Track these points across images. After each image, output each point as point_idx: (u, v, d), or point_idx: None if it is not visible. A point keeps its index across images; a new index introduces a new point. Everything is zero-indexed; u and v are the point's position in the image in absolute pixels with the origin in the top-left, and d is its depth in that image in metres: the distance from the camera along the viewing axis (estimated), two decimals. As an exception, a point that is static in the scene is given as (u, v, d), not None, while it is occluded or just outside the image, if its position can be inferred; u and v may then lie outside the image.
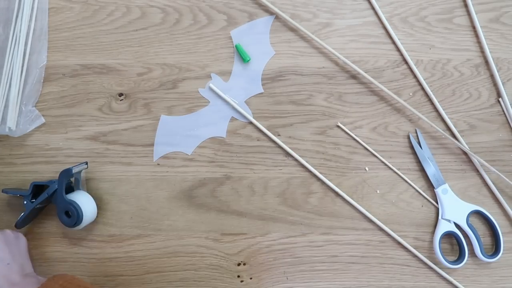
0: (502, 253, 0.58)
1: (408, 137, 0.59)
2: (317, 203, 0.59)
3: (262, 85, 0.59)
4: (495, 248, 0.59)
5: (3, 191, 0.57)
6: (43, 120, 0.59)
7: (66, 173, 0.54)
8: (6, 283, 0.49)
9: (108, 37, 0.59)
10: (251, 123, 0.59)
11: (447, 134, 0.58)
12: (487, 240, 0.60)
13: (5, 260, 0.51)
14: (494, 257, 0.57)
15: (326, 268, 0.59)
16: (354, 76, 0.60)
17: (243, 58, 0.58)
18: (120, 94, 0.59)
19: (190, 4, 0.59)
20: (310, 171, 0.59)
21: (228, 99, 0.59)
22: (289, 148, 0.59)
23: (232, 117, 0.59)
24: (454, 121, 0.60)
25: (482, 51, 0.60)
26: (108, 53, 0.59)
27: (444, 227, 0.58)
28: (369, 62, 0.60)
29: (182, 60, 0.59)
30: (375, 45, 0.60)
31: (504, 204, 0.59)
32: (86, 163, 0.58)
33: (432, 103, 0.60)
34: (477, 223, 0.60)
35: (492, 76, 0.60)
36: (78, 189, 0.57)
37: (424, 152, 0.59)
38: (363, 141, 0.59)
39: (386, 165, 0.59)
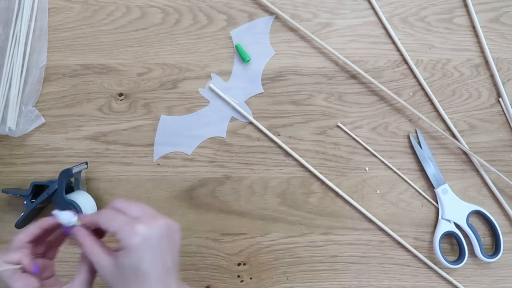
0: (502, 253, 0.58)
1: (408, 137, 0.60)
2: (317, 203, 0.59)
3: (262, 85, 0.59)
4: (495, 248, 0.59)
5: (3, 191, 0.57)
6: (43, 120, 0.59)
7: (66, 173, 0.54)
8: None
9: (108, 37, 0.59)
10: (251, 123, 0.59)
11: (447, 134, 0.58)
12: (487, 240, 0.60)
13: (166, 263, 0.38)
14: (494, 257, 0.58)
15: (326, 268, 0.59)
16: (354, 76, 0.60)
17: (243, 58, 0.58)
18: (120, 94, 0.59)
19: (190, 4, 0.59)
20: (310, 171, 0.59)
21: (228, 99, 0.59)
22: (289, 148, 0.59)
23: (232, 117, 0.59)
24: (454, 121, 0.60)
25: (482, 51, 0.60)
26: (108, 53, 0.59)
27: (444, 227, 0.58)
28: (369, 62, 0.60)
29: (182, 60, 0.59)
30: (375, 45, 0.60)
31: (504, 204, 0.59)
32: (86, 163, 0.58)
33: (432, 103, 0.60)
34: (477, 223, 0.60)
35: (492, 76, 0.60)
36: (78, 189, 0.57)
37: (424, 152, 0.59)
38: (363, 141, 0.59)
39: (386, 165, 0.59)
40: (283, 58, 0.59)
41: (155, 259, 0.37)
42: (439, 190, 0.59)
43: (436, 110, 0.60)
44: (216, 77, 0.59)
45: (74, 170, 0.54)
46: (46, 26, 0.59)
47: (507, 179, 0.58)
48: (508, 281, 0.59)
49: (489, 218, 0.58)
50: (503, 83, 0.59)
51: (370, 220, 0.59)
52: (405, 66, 0.60)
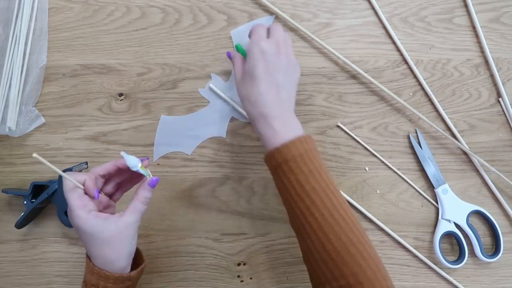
0: (502, 253, 0.58)
1: (408, 137, 0.59)
2: (317, 203, 0.59)
3: (262, 85, 0.59)
4: (495, 248, 0.59)
5: (3, 191, 0.57)
6: (43, 120, 0.59)
7: (66, 173, 0.54)
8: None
9: (108, 37, 0.59)
10: (251, 123, 0.59)
11: (447, 134, 0.58)
12: (487, 240, 0.60)
13: (277, 79, 0.48)
14: (494, 257, 0.58)
15: (326, 268, 0.59)
16: (354, 76, 0.60)
17: (243, 58, 0.58)
18: (120, 94, 0.59)
19: (190, 4, 0.59)
20: (310, 171, 0.59)
21: (228, 99, 0.59)
22: (289, 148, 0.59)
23: (232, 117, 0.59)
24: (454, 121, 0.60)
25: (482, 51, 0.60)
26: (108, 53, 0.59)
27: (444, 227, 0.58)
28: (369, 62, 0.60)
29: (182, 60, 0.59)
30: (375, 45, 0.60)
31: (504, 204, 0.59)
32: (86, 163, 0.58)
33: (432, 103, 0.60)
34: (477, 223, 0.60)
35: (492, 76, 0.60)
36: (78, 189, 0.57)
37: (424, 152, 0.59)
38: (363, 141, 0.59)
39: (386, 165, 0.59)
40: (283, 58, 0.59)
41: (267, 70, 0.47)
42: (439, 190, 0.59)
43: (436, 110, 0.60)
44: (216, 77, 0.59)
45: (74, 170, 0.54)
46: (46, 26, 0.59)
47: (507, 179, 0.58)
48: (508, 281, 0.59)
49: (489, 218, 0.58)
50: (503, 83, 0.59)
51: (370, 220, 0.59)
52: (405, 66, 0.60)
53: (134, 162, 0.43)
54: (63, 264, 0.59)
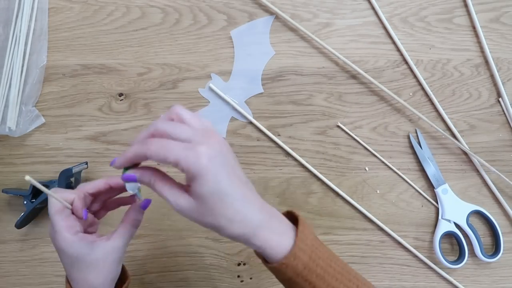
0: (502, 253, 0.58)
1: (408, 137, 0.59)
2: (317, 203, 0.59)
3: (262, 85, 0.59)
4: (495, 248, 0.59)
5: (3, 191, 0.57)
6: (43, 120, 0.59)
7: (66, 173, 0.54)
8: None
9: (108, 37, 0.59)
10: (251, 123, 0.59)
11: (447, 134, 0.58)
12: (487, 240, 0.60)
13: (240, 177, 0.36)
14: (494, 257, 0.58)
15: (326, 268, 0.59)
16: (354, 76, 0.60)
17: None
18: (120, 94, 0.59)
19: (190, 4, 0.59)
20: (310, 171, 0.59)
21: (228, 99, 0.59)
22: (289, 148, 0.59)
23: (232, 117, 0.59)
24: (454, 121, 0.60)
25: (482, 51, 0.60)
26: (108, 53, 0.59)
27: (444, 227, 0.58)
28: (369, 62, 0.60)
29: (182, 60, 0.59)
30: (375, 45, 0.60)
31: (504, 204, 0.59)
32: (86, 163, 0.58)
33: (432, 103, 0.60)
34: (477, 223, 0.60)
35: (492, 76, 0.60)
36: (78, 189, 0.57)
37: (424, 152, 0.59)
38: (363, 141, 0.59)
39: (386, 165, 0.59)
40: (283, 58, 0.59)
41: (230, 175, 0.34)
42: (439, 190, 0.59)
43: (436, 110, 0.60)
44: (216, 77, 0.59)
45: (74, 170, 0.54)
46: (46, 26, 0.59)
47: (507, 179, 0.58)
48: (508, 281, 0.59)
49: (489, 218, 0.58)
50: (503, 83, 0.59)
51: (370, 220, 0.59)
52: (405, 66, 0.60)
53: (133, 186, 0.40)
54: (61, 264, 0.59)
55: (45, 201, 0.55)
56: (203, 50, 0.59)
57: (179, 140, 0.34)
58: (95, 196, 0.42)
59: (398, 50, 0.60)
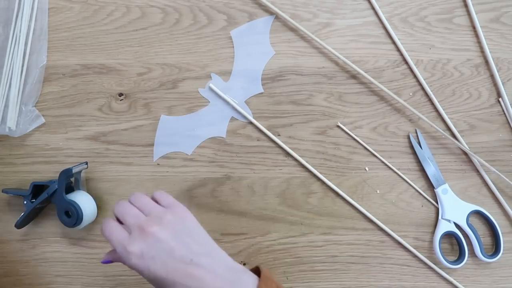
0: (502, 253, 0.58)
1: (408, 137, 0.59)
2: (317, 203, 0.59)
3: (262, 85, 0.59)
4: (495, 248, 0.59)
5: (3, 191, 0.57)
6: (43, 120, 0.59)
7: (66, 173, 0.54)
8: None
9: (108, 37, 0.59)
10: (251, 123, 0.59)
11: (447, 134, 0.58)
12: (487, 240, 0.60)
13: (184, 256, 0.38)
14: (494, 257, 0.58)
15: (326, 268, 0.59)
16: (354, 76, 0.60)
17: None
18: (120, 94, 0.59)
19: (190, 4, 0.59)
20: (310, 171, 0.59)
21: (228, 99, 0.59)
22: (289, 148, 0.59)
23: (232, 117, 0.59)
24: (454, 121, 0.60)
25: (482, 51, 0.60)
26: (108, 53, 0.59)
27: (444, 227, 0.58)
28: (369, 62, 0.60)
29: (182, 60, 0.59)
30: (375, 45, 0.60)
31: (504, 204, 0.59)
32: (86, 163, 0.58)
33: (432, 103, 0.60)
34: (477, 223, 0.60)
35: (492, 76, 0.60)
36: (78, 189, 0.57)
37: (424, 152, 0.59)
38: (363, 141, 0.59)
39: (386, 165, 0.59)
40: (283, 58, 0.59)
41: (165, 263, 0.37)
42: (439, 190, 0.59)
43: (436, 110, 0.60)
44: (216, 77, 0.59)
45: (74, 170, 0.54)
46: (46, 26, 0.59)
47: (507, 179, 0.58)
48: (508, 281, 0.59)
49: (489, 218, 0.58)
50: (503, 83, 0.59)
51: (370, 220, 0.59)
52: (405, 66, 0.60)
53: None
54: (63, 264, 0.59)
55: (45, 201, 0.55)
56: (203, 50, 0.59)
57: (126, 224, 0.40)
58: None
59: (398, 50, 0.60)
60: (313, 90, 0.59)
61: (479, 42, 0.60)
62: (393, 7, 0.60)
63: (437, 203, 0.59)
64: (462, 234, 0.58)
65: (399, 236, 0.59)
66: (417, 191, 0.59)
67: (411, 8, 0.60)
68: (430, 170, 0.59)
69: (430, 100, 0.60)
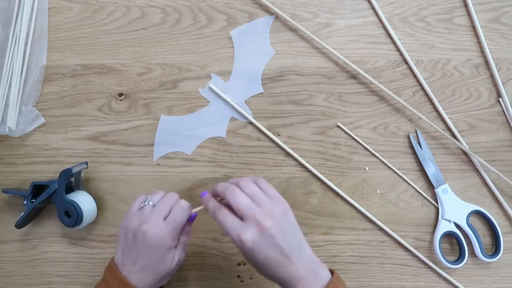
0: (502, 253, 0.58)
1: (408, 137, 0.59)
2: (317, 203, 0.59)
3: (262, 85, 0.59)
4: (495, 248, 0.59)
5: (3, 191, 0.57)
6: (43, 120, 0.59)
7: (66, 173, 0.54)
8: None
9: (108, 37, 0.59)
10: (251, 123, 0.59)
11: (447, 134, 0.58)
12: (487, 240, 0.60)
13: (283, 250, 0.43)
14: (494, 257, 0.58)
15: (326, 268, 0.59)
16: (354, 76, 0.60)
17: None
18: (120, 94, 0.59)
19: (190, 4, 0.59)
20: (310, 171, 0.59)
21: (228, 99, 0.59)
22: (289, 148, 0.59)
23: (232, 117, 0.59)
24: (454, 121, 0.60)
25: (482, 51, 0.60)
26: (108, 53, 0.59)
27: (444, 227, 0.58)
28: (369, 62, 0.60)
29: (182, 60, 0.59)
30: (375, 45, 0.60)
31: (504, 204, 0.59)
32: (86, 163, 0.58)
33: (432, 103, 0.60)
34: (477, 223, 0.60)
35: (492, 76, 0.60)
36: (78, 189, 0.57)
37: (424, 152, 0.59)
38: (363, 141, 0.59)
39: (386, 165, 0.59)
40: (283, 58, 0.59)
41: (268, 255, 0.43)
42: (439, 190, 0.59)
43: (436, 110, 0.60)
44: (216, 77, 0.59)
45: (74, 170, 0.54)
46: (46, 26, 0.59)
47: (507, 179, 0.58)
48: (508, 281, 0.59)
49: (489, 218, 0.58)
50: (503, 83, 0.59)
51: (370, 220, 0.59)
52: (405, 66, 0.60)
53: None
54: (63, 264, 0.59)
55: (45, 201, 0.55)
56: (203, 50, 0.59)
57: (239, 212, 0.44)
58: None
59: (398, 50, 0.60)
60: (313, 90, 0.59)
61: (479, 42, 0.60)
62: (393, 7, 0.60)
63: (437, 203, 0.59)
64: (462, 234, 0.58)
65: (399, 236, 0.59)
66: (417, 191, 0.59)
67: (411, 8, 0.60)
68: (430, 170, 0.59)
69: (430, 100, 0.60)
